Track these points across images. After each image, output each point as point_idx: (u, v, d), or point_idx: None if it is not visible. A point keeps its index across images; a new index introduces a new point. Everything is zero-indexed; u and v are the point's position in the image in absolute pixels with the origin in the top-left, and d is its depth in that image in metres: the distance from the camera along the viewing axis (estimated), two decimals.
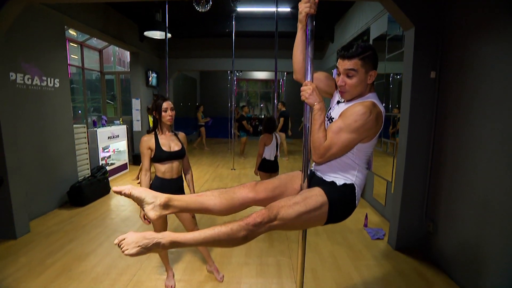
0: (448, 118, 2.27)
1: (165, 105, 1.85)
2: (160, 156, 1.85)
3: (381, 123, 1.17)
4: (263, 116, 12.13)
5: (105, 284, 2.13)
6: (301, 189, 1.22)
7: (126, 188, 1.05)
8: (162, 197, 1.10)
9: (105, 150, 5.34)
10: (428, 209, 2.54)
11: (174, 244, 1.02)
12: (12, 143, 2.83)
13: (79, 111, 6.13)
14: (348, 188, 1.20)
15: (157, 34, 4.99)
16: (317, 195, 1.13)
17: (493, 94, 1.82)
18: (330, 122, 1.24)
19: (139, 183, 4.42)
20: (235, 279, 2.22)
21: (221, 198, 1.17)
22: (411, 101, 2.44)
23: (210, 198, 1.17)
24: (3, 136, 2.72)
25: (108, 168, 4.83)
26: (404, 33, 2.57)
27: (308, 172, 1.21)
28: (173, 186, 1.93)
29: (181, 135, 2.03)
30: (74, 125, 4.11)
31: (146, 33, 5.03)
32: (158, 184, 1.89)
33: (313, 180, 1.27)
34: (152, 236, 0.99)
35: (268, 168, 3.13)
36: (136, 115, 6.45)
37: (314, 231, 3.04)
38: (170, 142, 1.92)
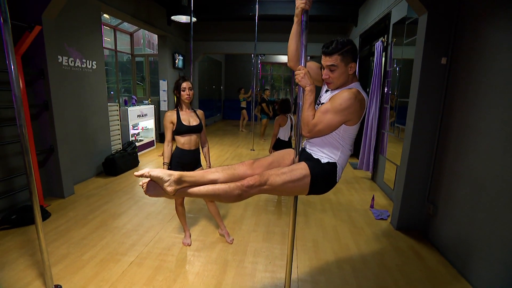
0: (456, 104, 2.32)
1: (184, 85, 2.11)
2: (180, 129, 2.14)
3: (364, 109, 1.35)
4: None
5: (134, 238, 2.52)
6: (293, 163, 1.44)
7: (145, 171, 1.22)
8: (175, 174, 1.25)
9: (135, 128, 5.82)
10: (430, 192, 2.64)
11: (182, 180, 1.26)
12: (60, 117, 3.28)
13: (112, 92, 6.63)
14: (331, 165, 1.40)
15: (183, 18, 5.23)
16: (302, 169, 1.35)
17: (500, 82, 1.85)
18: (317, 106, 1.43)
19: (161, 155, 4.83)
20: (243, 242, 2.53)
21: (224, 173, 1.39)
22: (420, 86, 2.50)
23: (215, 174, 1.38)
24: (54, 111, 3.17)
25: (137, 144, 5.30)
26: (418, 18, 2.59)
27: (300, 148, 1.43)
28: (191, 156, 2.22)
29: (200, 112, 2.30)
30: (108, 104, 4.56)
31: (173, 17, 5.29)
32: (178, 154, 2.20)
33: (302, 155, 1.48)
34: (166, 170, 1.26)
35: (282, 148, 3.32)
36: (163, 95, 6.86)
37: (321, 208, 3.26)
38: (189, 118, 2.20)
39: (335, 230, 2.79)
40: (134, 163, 4.75)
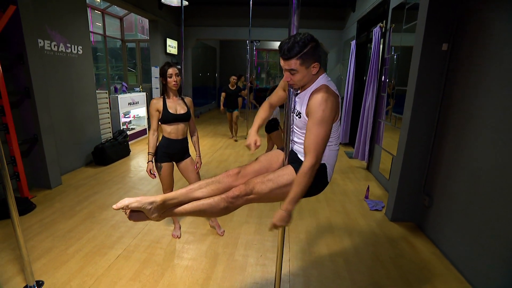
0: (456, 93, 2.23)
1: (170, 71, 1.98)
2: (166, 117, 2.03)
3: (339, 100, 1.23)
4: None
5: (122, 230, 2.45)
6: (283, 165, 1.36)
7: (124, 203, 1.14)
8: (158, 200, 1.20)
9: (126, 116, 5.67)
10: (427, 183, 2.59)
11: (165, 205, 1.22)
12: (44, 105, 3.13)
13: (104, 79, 6.43)
14: (319, 167, 1.28)
15: (174, 1, 4.99)
16: (288, 174, 1.26)
17: (506, 70, 1.76)
18: (298, 117, 1.31)
19: None
20: (235, 234, 2.47)
21: (208, 189, 1.30)
22: (419, 74, 2.40)
23: (198, 191, 1.30)
24: (36, 98, 3.02)
25: (128, 132, 5.17)
26: (419, 2, 2.46)
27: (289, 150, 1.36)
28: (178, 146, 2.12)
29: (188, 99, 2.18)
30: (97, 91, 4.39)
31: (163, 0, 5.06)
32: (164, 144, 2.09)
33: (290, 156, 1.38)
34: (147, 198, 1.19)
35: (266, 128, 3.85)
36: (155, 82, 6.68)
37: (315, 198, 3.20)
38: (176, 106, 2.08)
39: (328, 222, 2.75)
40: (125, 152, 4.63)
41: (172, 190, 2.24)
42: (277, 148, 1.51)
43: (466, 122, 2.08)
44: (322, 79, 1.25)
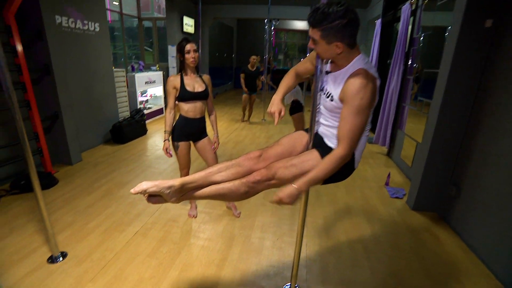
0: (498, 77, 2.03)
1: (188, 47, 1.90)
2: (183, 95, 1.97)
3: (378, 85, 1.11)
4: None
5: (139, 208, 2.48)
6: (307, 149, 1.27)
7: (142, 188, 1.09)
8: (176, 184, 1.15)
9: (143, 95, 5.68)
10: (454, 173, 2.44)
11: (183, 189, 1.17)
12: (63, 82, 3.15)
13: (122, 59, 6.41)
14: None
15: None
16: (313, 160, 1.18)
17: None
18: (329, 99, 1.19)
19: None
20: (251, 216, 2.45)
21: (228, 172, 1.24)
22: (455, 54, 2.19)
23: (218, 175, 1.23)
24: (55, 76, 3.03)
25: (145, 111, 5.19)
26: None
27: (314, 134, 1.25)
28: (196, 125, 2.07)
29: (206, 77, 2.10)
30: (114, 69, 4.38)
31: None
32: (181, 122, 2.04)
33: (315, 138, 1.28)
34: (165, 182, 1.14)
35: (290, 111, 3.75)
36: (172, 61, 6.61)
37: (334, 184, 3.11)
38: (194, 83, 2.01)
39: (347, 208, 2.67)
40: (142, 131, 4.67)
41: (188, 170, 2.22)
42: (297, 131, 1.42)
43: (506, 111, 1.90)
44: (359, 61, 1.11)
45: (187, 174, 2.23)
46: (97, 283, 1.65)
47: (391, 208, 2.71)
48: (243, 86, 5.62)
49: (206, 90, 2.04)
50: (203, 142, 2.15)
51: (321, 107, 1.26)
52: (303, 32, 11.99)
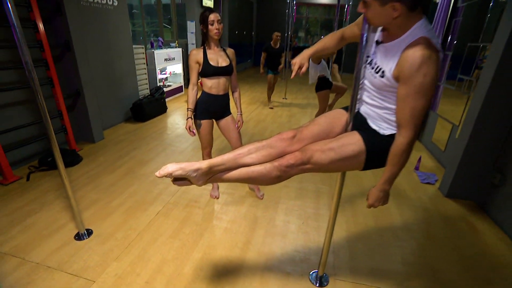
0: None
1: (211, 17, 1.74)
2: (207, 70, 1.84)
3: (441, 58, 0.91)
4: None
5: (160, 187, 2.46)
6: (345, 131, 1.14)
7: (167, 171, 1.02)
8: (203, 167, 1.07)
9: (163, 72, 5.60)
10: (499, 159, 2.22)
11: (211, 171, 1.08)
12: (84, 59, 3.10)
13: (141, 37, 6.30)
14: (394, 138, 1.04)
15: None
16: (354, 144, 1.06)
17: None
18: (376, 73, 1.02)
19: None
20: (274, 198, 2.37)
21: (258, 154, 1.13)
22: None
23: (248, 157, 1.13)
24: (75, 52, 2.98)
25: (165, 89, 5.13)
26: None
27: (354, 113, 1.12)
28: (219, 102, 1.96)
29: (230, 51, 1.96)
30: (134, 46, 4.29)
31: None
32: (204, 99, 1.93)
33: (355, 120, 1.14)
34: (191, 164, 1.05)
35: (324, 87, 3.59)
36: (191, 38, 6.43)
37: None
38: (218, 57, 1.87)
39: None
40: (162, 109, 4.64)
41: (211, 149, 2.14)
42: (321, 110, 1.28)
43: None
44: (420, 28, 0.91)
45: (209, 153, 2.16)
46: (121, 262, 1.65)
47: (422, 194, 2.55)
48: (261, 65, 5.21)
49: (230, 65, 1.90)
50: (226, 121, 2.05)
51: (366, 82, 1.10)
52: (326, 6, 11.30)
